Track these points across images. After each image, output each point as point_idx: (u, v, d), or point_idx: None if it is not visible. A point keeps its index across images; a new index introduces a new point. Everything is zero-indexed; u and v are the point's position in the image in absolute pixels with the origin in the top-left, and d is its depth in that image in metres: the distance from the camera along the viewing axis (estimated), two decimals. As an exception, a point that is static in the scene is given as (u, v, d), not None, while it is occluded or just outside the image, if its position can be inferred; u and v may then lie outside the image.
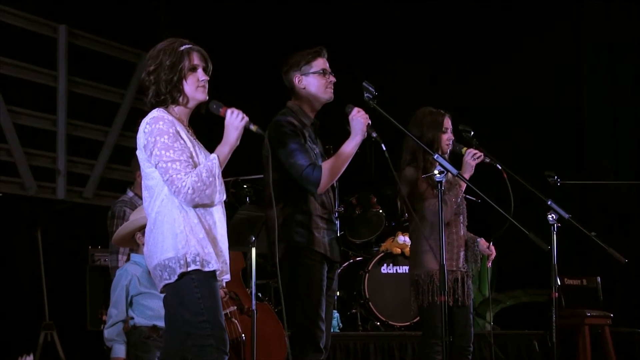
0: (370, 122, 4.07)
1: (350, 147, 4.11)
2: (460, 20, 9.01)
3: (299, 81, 4.28)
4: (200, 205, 3.46)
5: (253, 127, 3.57)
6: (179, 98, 3.55)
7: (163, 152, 3.41)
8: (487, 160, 4.78)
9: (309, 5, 8.66)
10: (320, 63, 4.29)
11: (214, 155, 3.49)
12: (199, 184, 3.40)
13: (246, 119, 3.54)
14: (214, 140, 3.58)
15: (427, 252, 4.75)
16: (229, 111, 3.54)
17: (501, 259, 7.81)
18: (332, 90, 4.30)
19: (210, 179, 3.43)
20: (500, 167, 4.76)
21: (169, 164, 3.41)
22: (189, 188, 3.39)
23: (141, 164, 3.54)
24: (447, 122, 4.88)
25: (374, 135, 4.03)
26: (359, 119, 4.08)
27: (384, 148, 3.96)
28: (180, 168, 3.41)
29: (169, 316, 3.56)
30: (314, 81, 4.27)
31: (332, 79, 4.30)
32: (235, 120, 3.52)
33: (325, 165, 4.11)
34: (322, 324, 4.11)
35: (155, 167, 3.45)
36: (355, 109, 4.11)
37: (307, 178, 4.08)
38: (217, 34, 8.33)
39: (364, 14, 8.97)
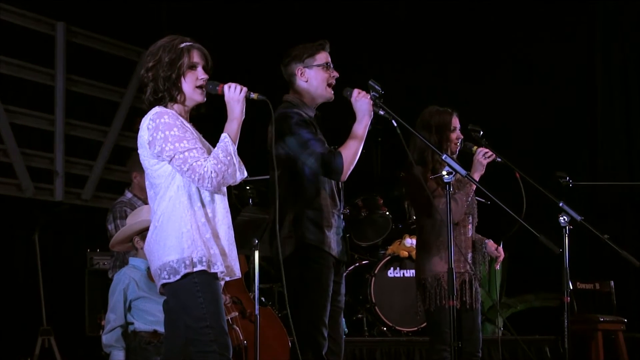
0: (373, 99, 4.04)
1: (360, 129, 4.08)
2: (471, 19, 9.00)
3: (300, 74, 4.25)
4: (223, 184, 3.48)
5: (254, 95, 3.57)
6: (176, 96, 3.54)
7: (177, 144, 3.42)
8: (499, 159, 4.76)
9: (312, 2, 8.66)
10: (324, 56, 4.27)
11: (224, 135, 3.49)
12: (219, 166, 3.42)
13: (245, 89, 3.55)
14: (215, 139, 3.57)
15: (433, 255, 4.73)
16: (225, 87, 3.55)
17: (512, 262, 7.87)
18: (333, 90, 4.27)
19: (229, 158, 3.45)
20: (512, 166, 4.74)
21: (186, 154, 3.42)
22: (211, 172, 3.41)
23: (145, 161, 3.53)
24: (455, 121, 4.86)
25: (382, 112, 4.00)
26: (362, 100, 4.06)
27: (395, 124, 3.93)
28: (199, 155, 3.43)
29: (169, 322, 3.56)
30: (316, 74, 4.24)
31: (335, 73, 4.27)
32: (235, 94, 3.53)
33: (344, 151, 4.06)
34: (326, 330, 4.09)
35: (170, 162, 3.44)
36: (355, 91, 4.09)
37: (328, 165, 4.05)
38: (220, 30, 8.33)
39: (368, 10, 8.97)
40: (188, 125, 3.54)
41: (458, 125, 4.87)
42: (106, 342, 4.81)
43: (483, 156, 4.76)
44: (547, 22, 8.89)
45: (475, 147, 4.82)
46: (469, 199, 4.79)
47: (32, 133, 7.50)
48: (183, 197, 3.46)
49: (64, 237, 7.55)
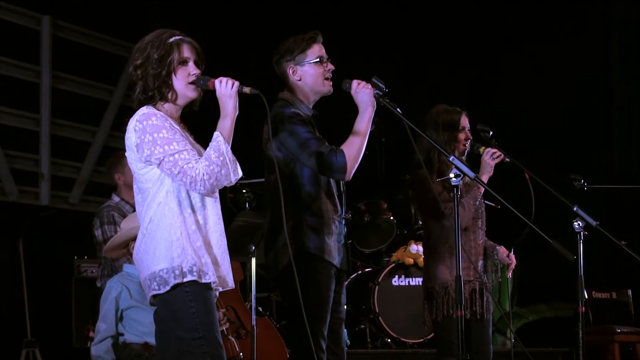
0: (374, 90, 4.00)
1: (364, 123, 4.04)
2: (485, 19, 9.02)
3: (293, 72, 4.20)
4: (217, 187, 3.45)
5: (246, 89, 3.54)
6: (167, 94, 3.53)
7: (166, 147, 3.41)
8: (507, 160, 4.75)
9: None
10: (316, 50, 4.20)
11: (217, 133, 3.47)
12: (211, 167, 3.40)
13: (237, 83, 3.53)
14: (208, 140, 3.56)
15: (442, 262, 4.72)
16: (216, 82, 3.53)
17: (523, 270, 7.86)
18: (331, 82, 4.22)
19: (221, 159, 3.42)
20: (522, 167, 4.73)
21: (177, 156, 3.40)
22: (203, 174, 3.39)
23: (133, 165, 3.52)
24: (464, 121, 4.85)
25: (384, 103, 3.97)
26: (363, 91, 4.03)
27: (400, 112, 3.90)
28: (190, 157, 3.41)
29: (160, 333, 3.54)
30: (310, 71, 4.19)
31: (331, 66, 4.22)
32: (226, 89, 3.51)
33: (346, 148, 4.02)
34: (324, 343, 4.08)
35: (159, 165, 3.43)
36: (355, 82, 4.05)
37: (331, 165, 4.01)
38: (213, 22, 8.33)
39: (373, 4, 8.97)
40: (177, 126, 3.52)
41: (467, 125, 4.85)
42: (95, 353, 4.80)
43: (491, 157, 4.76)
44: (562, 20, 8.92)
45: (482, 148, 4.82)
46: (477, 202, 4.78)
47: (16, 133, 7.49)
48: (172, 203, 3.45)
49: (49, 244, 7.54)
